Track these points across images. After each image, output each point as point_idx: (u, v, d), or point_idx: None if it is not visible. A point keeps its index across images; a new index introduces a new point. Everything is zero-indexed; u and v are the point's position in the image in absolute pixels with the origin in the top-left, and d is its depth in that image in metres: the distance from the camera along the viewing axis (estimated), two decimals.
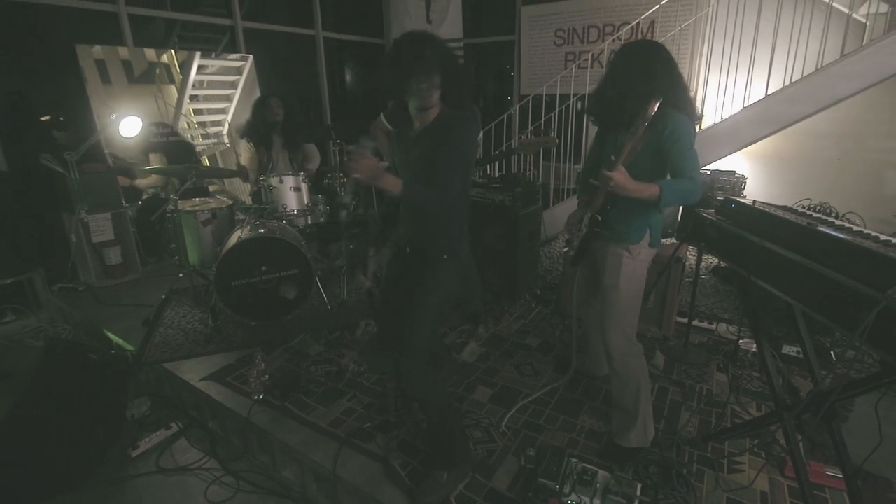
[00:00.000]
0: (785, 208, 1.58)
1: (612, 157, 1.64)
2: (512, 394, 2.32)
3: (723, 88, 4.00)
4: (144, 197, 4.13)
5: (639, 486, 1.68)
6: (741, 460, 1.88)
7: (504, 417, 2.14)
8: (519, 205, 3.13)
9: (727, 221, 1.64)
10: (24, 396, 1.99)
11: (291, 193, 3.17)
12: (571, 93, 4.69)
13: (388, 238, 1.98)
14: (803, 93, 3.54)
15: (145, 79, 4.14)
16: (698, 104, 3.68)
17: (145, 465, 2.17)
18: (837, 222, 1.38)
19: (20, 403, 1.96)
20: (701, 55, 4.60)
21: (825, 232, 1.27)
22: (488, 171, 4.78)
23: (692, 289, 2.69)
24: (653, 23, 4.87)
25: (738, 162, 4.69)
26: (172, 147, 4.30)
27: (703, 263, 3.86)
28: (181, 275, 3.30)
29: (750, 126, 3.77)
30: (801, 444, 1.83)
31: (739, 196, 2.45)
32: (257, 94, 4.75)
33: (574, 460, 1.79)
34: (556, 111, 4.66)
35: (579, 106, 4.78)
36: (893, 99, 3.95)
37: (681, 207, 3.95)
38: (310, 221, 3.35)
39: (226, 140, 4.73)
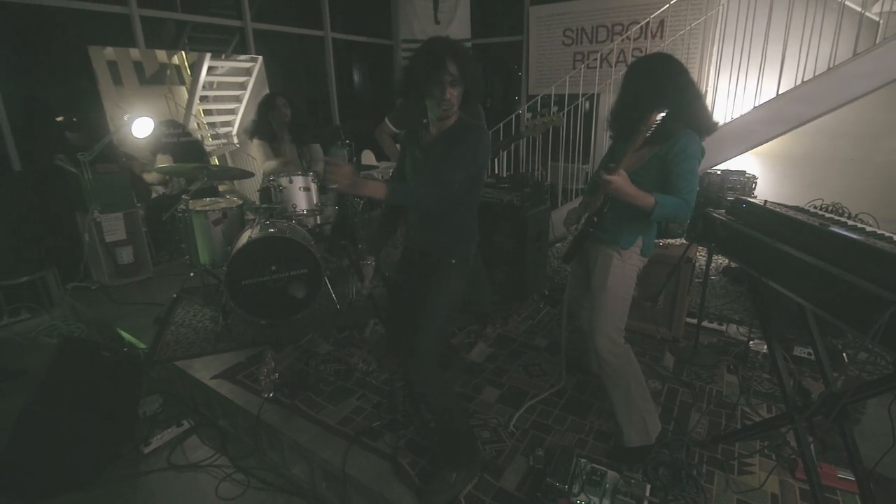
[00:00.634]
0: (797, 208, 1.57)
1: (612, 166, 1.66)
2: (520, 394, 2.32)
3: (733, 88, 3.97)
4: (154, 196, 4.18)
5: (648, 486, 1.68)
6: (751, 462, 1.87)
7: (512, 418, 2.14)
8: (527, 205, 3.13)
9: (738, 222, 1.63)
10: (38, 393, 2.02)
11: (301, 193, 3.19)
12: (580, 93, 4.67)
13: (384, 243, 1.99)
14: (815, 92, 3.50)
15: (156, 80, 4.18)
16: (708, 102, 3.65)
17: (157, 462, 2.20)
18: (850, 223, 1.36)
19: (34, 400, 1.99)
20: (711, 55, 4.57)
21: (837, 232, 1.26)
22: (496, 171, 4.80)
23: (702, 289, 2.67)
24: (662, 22, 4.84)
25: (748, 162, 4.65)
26: (183, 147, 4.34)
27: (713, 264, 3.83)
28: (192, 274, 3.33)
29: (761, 126, 3.74)
30: (812, 447, 1.82)
31: (750, 196, 2.43)
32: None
33: (583, 461, 1.79)
34: (564, 111, 4.65)
35: (587, 106, 4.77)
36: None
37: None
38: (318, 221, 3.37)
39: (235, 141, 4.77)
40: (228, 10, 4.82)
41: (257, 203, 3.40)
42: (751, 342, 2.65)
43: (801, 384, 2.24)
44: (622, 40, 4.92)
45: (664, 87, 1.65)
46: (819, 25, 3.48)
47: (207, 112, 4.59)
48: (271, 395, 2.29)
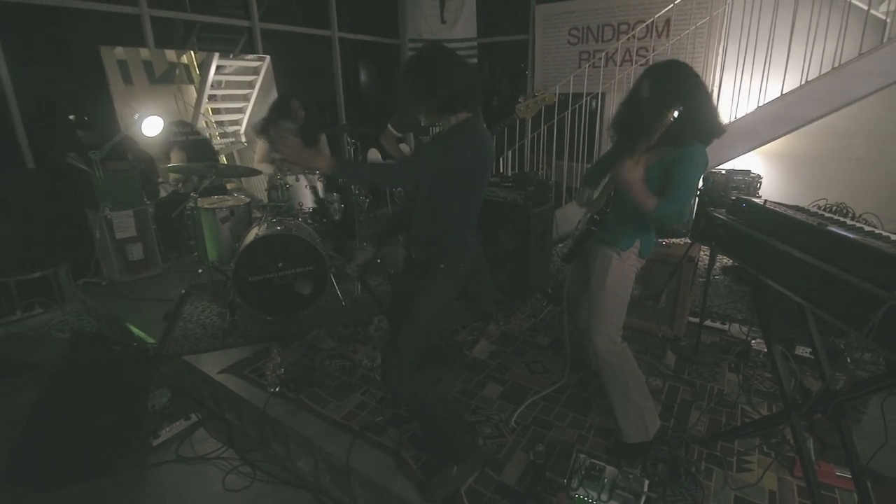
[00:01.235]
0: (796, 208, 1.58)
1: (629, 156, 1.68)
2: (522, 391, 2.35)
3: (738, 87, 3.97)
4: (162, 194, 4.23)
5: (646, 482, 1.70)
6: (750, 459, 1.89)
7: (514, 414, 2.17)
8: (531, 203, 3.14)
9: (738, 221, 1.65)
10: (50, 386, 2.07)
11: (307, 191, 3.24)
12: (585, 92, 4.68)
13: (389, 237, 2.02)
14: (821, 91, 3.49)
15: (165, 79, 4.24)
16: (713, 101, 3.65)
17: (166, 454, 2.25)
18: (849, 223, 1.38)
19: (47, 393, 2.05)
20: (717, 54, 4.56)
21: (835, 232, 1.28)
22: (501, 170, 4.81)
23: (704, 288, 2.68)
24: (668, 21, 4.84)
25: (753, 161, 4.63)
26: (194, 145, 4.40)
27: (716, 263, 3.84)
28: (200, 270, 3.38)
29: (766, 125, 3.73)
30: (811, 444, 1.84)
31: (754, 196, 2.44)
32: (274, 94, 4.83)
33: (582, 456, 1.81)
34: (570, 110, 4.66)
35: (593, 105, 4.77)
36: None
37: (695, 207, 3.93)
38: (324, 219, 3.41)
39: (243, 139, 4.82)
40: (236, 9, 4.86)
41: (265, 201, 3.44)
42: (753, 341, 2.66)
43: (802, 384, 2.25)
44: (628, 39, 4.92)
45: (679, 86, 1.68)
46: (825, 24, 3.46)
47: (216, 111, 4.64)
48: (277, 389, 2.34)
